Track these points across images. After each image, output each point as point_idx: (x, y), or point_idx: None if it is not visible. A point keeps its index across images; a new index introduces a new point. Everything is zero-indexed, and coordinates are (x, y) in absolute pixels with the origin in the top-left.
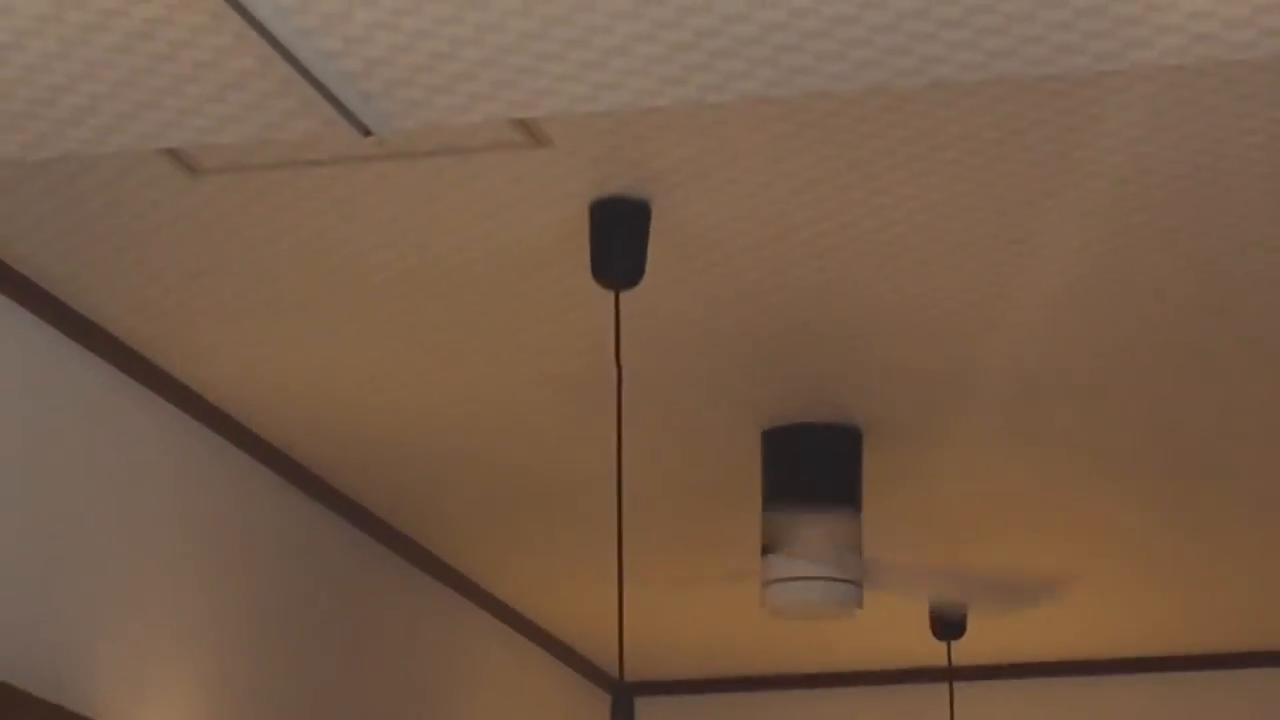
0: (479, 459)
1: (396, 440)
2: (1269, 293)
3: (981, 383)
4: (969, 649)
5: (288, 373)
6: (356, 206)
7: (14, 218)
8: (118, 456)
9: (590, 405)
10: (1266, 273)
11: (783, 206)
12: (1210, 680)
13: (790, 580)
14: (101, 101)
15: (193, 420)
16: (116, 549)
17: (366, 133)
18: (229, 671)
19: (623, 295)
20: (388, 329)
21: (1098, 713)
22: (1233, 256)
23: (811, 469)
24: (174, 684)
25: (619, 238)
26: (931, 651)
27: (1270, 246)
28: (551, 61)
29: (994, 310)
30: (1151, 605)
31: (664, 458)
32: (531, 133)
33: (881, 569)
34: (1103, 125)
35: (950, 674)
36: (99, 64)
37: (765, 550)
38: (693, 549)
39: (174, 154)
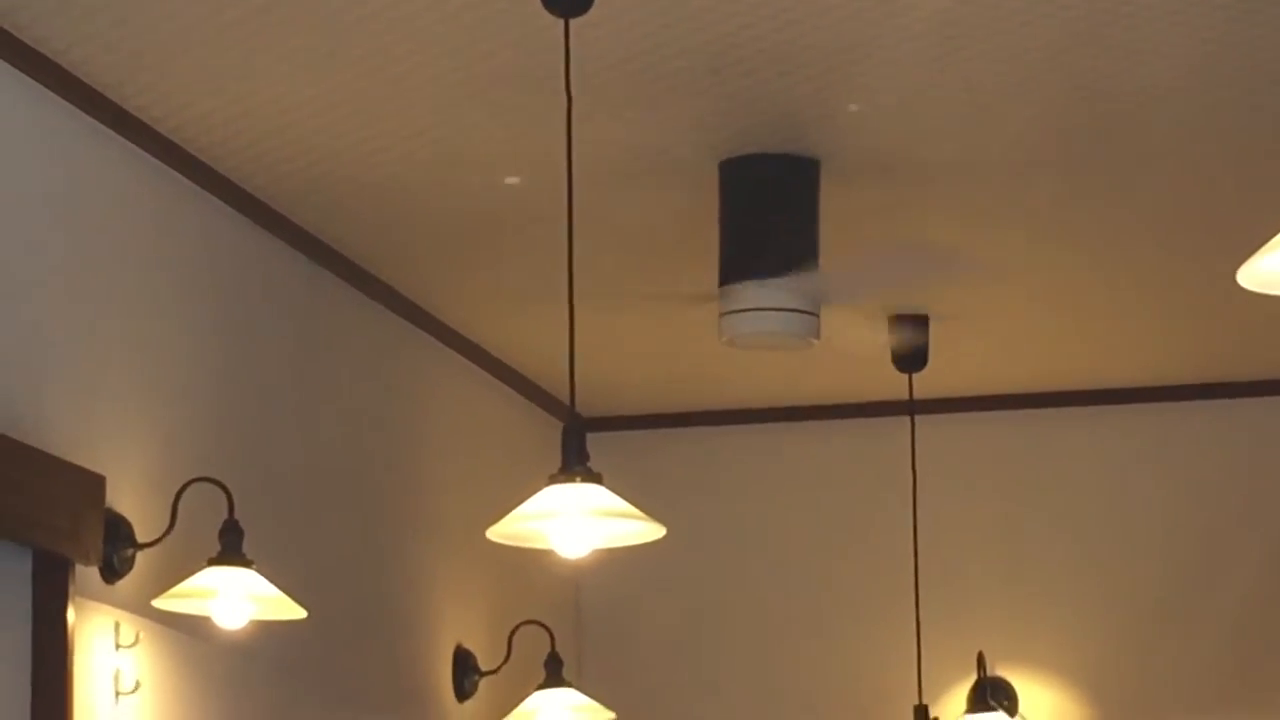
0: (433, 190)
1: (350, 174)
2: None
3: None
4: (930, 381)
5: (240, 104)
6: None
7: None
8: (68, 189)
9: (542, 135)
10: None
11: None
12: (1176, 411)
13: (747, 311)
14: None
15: (146, 154)
16: (69, 285)
17: None
18: (183, 406)
19: (572, 22)
20: (338, 60)
21: (1057, 445)
22: None
23: (769, 199)
24: (129, 418)
25: None
26: (892, 384)
27: None
28: None
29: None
30: (1117, 337)
31: (618, 189)
32: None
33: (840, 275)
34: None
35: (911, 406)
36: None
37: (722, 281)
38: (648, 280)
39: None
